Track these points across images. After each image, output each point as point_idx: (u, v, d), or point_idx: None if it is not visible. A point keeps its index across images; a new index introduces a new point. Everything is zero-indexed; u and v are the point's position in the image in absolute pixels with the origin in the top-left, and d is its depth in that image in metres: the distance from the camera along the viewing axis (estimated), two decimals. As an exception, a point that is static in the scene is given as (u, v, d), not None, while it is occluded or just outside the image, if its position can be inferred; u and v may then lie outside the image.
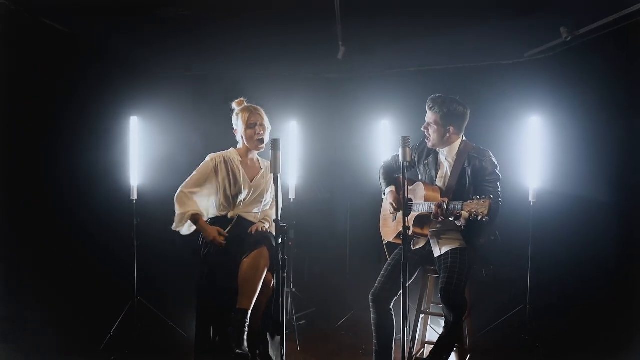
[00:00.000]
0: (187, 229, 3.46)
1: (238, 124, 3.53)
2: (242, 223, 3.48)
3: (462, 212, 3.08)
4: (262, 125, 3.52)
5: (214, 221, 3.50)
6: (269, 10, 4.02)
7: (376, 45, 4.80)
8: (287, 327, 4.24)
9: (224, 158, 3.49)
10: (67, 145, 4.45)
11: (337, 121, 5.71)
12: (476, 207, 2.99)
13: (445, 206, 3.16)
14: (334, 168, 5.76)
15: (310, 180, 5.29)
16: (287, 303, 4.64)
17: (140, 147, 4.43)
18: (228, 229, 3.43)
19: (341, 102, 5.72)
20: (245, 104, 3.58)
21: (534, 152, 4.32)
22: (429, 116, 3.41)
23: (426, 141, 3.48)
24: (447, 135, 3.39)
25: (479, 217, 2.97)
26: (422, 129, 3.44)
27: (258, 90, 4.07)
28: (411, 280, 3.47)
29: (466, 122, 3.43)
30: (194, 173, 3.46)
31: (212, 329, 3.32)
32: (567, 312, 4.42)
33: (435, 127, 3.39)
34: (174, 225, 3.43)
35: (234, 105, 3.59)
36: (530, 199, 4.28)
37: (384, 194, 3.72)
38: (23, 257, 4.13)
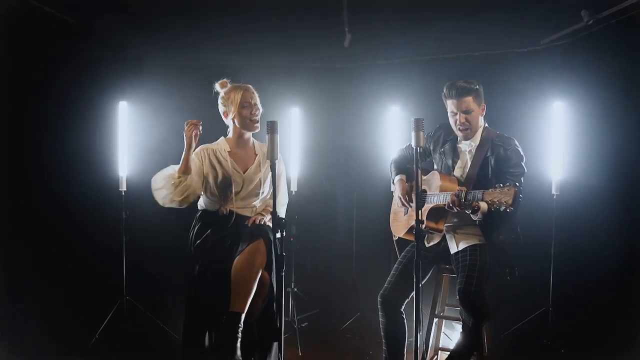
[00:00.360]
0: (179, 193, 3.02)
1: (229, 104, 3.23)
2: (238, 219, 3.19)
3: (482, 202, 2.80)
4: (256, 104, 3.25)
5: (204, 216, 3.21)
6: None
7: (384, 32, 4.64)
8: (287, 329, 4.04)
9: (207, 152, 3.20)
10: (51, 131, 4.22)
11: (343, 108, 5.46)
12: (499, 195, 2.69)
13: (463, 195, 2.87)
14: (340, 158, 5.53)
15: (314, 171, 5.06)
16: (288, 304, 4.40)
17: (130, 135, 4.19)
18: (230, 224, 3.14)
19: (347, 89, 5.49)
20: (230, 84, 3.29)
21: (556, 141, 4.05)
22: (460, 104, 3.08)
23: (459, 133, 3.15)
24: (481, 117, 3.13)
25: (502, 208, 2.68)
26: (456, 124, 3.12)
27: (257, 77, 3.78)
28: (424, 280, 3.18)
29: None
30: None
31: (202, 334, 3.00)
32: (592, 314, 4.14)
33: (473, 111, 3.09)
34: (163, 195, 3.08)
35: (217, 87, 3.30)
36: (553, 192, 4.02)
37: (393, 184, 3.45)
38: (2, 252, 3.86)
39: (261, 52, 5.16)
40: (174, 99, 4.85)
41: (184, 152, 3.07)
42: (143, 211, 4.16)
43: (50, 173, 4.14)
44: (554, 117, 4.06)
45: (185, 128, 3.04)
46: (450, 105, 3.12)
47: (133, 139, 4.23)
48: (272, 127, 2.70)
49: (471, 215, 2.97)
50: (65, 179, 4.20)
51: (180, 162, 3.07)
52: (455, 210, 2.94)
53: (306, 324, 4.53)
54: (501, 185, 2.72)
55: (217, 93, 3.29)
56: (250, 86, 3.27)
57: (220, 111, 3.30)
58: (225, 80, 3.29)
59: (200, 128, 3.07)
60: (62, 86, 4.22)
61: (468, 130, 3.10)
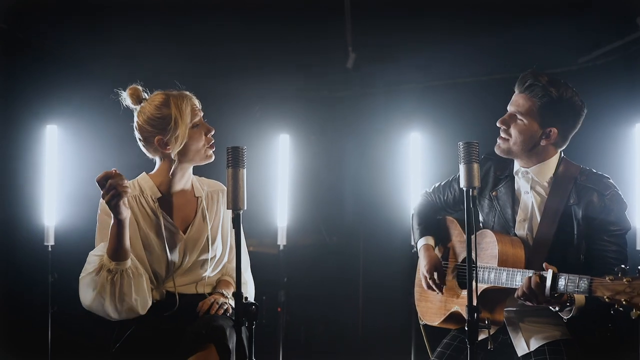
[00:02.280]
0: (128, 297, 1.99)
1: (171, 123, 2.09)
2: (181, 302, 2.14)
3: (590, 295, 1.82)
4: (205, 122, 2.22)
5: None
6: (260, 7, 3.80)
7: (392, 52, 4.47)
8: None
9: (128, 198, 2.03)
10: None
11: (346, 135, 4.89)
12: (629, 292, 1.68)
13: (549, 281, 1.88)
14: (342, 200, 4.93)
15: (308, 217, 4.52)
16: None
17: (60, 170, 3.64)
18: (173, 309, 2.11)
19: (352, 112, 4.92)
20: (157, 92, 2.17)
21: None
22: (517, 101, 2.20)
23: (498, 143, 2.25)
24: (540, 143, 2.19)
25: (635, 314, 1.68)
26: (498, 124, 2.24)
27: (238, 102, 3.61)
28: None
29: (575, 130, 2.23)
30: (97, 233, 2.15)
31: None
32: None
33: (524, 120, 2.17)
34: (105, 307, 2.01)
35: (127, 99, 2.16)
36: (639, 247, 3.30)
37: (416, 248, 2.54)
38: None
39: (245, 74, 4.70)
40: (122, 122, 4.06)
41: (111, 227, 1.97)
42: (76, 272, 3.40)
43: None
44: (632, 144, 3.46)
45: (103, 192, 1.92)
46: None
47: (65, 175, 3.67)
48: (235, 157, 1.82)
49: (558, 311, 2.01)
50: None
51: (111, 242, 1.98)
52: (534, 304, 1.97)
53: None
54: (624, 267, 1.70)
55: (133, 108, 2.19)
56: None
57: (142, 137, 2.18)
58: (135, 85, 2.17)
59: (128, 188, 1.95)
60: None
61: (504, 146, 2.24)
